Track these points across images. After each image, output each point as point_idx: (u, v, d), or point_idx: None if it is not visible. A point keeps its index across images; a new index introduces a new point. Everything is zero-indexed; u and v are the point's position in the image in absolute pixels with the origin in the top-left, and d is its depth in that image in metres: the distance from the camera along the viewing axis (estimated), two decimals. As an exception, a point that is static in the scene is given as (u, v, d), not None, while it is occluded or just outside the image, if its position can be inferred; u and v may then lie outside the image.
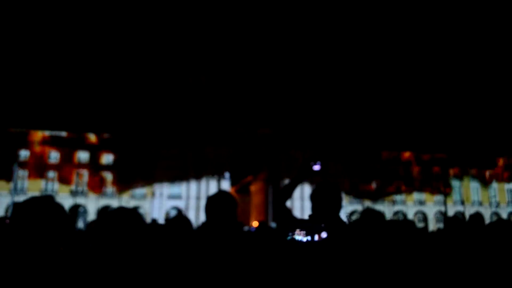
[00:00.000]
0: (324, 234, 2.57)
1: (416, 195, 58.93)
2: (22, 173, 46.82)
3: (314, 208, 2.88)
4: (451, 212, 51.10)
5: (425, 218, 57.35)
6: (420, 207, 58.48)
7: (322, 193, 2.89)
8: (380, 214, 2.91)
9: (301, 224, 2.72)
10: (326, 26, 64.22)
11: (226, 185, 50.25)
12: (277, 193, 50.29)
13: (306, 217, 2.96)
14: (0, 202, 44.16)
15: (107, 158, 50.94)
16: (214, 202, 2.85)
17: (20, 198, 41.29)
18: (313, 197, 2.91)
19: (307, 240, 2.61)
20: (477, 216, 4.81)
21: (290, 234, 2.66)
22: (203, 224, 2.92)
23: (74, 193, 48.61)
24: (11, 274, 1.77)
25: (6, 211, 41.20)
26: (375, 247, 2.58)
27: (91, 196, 49.04)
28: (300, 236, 2.64)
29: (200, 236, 2.88)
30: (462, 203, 58.53)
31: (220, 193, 2.99)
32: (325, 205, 2.83)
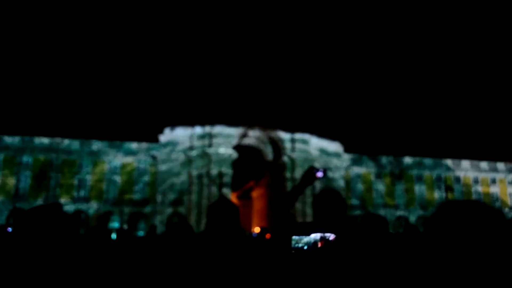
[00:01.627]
0: (331, 237, 2.57)
1: (418, 200, 58.77)
2: (24, 179, 46.81)
3: (317, 214, 2.89)
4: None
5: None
6: (422, 211, 58.28)
7: (324, 199, 2.89)
8: (383, 219, 2.92)
9: (305, 229, 2.73)
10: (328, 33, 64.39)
11: (227, 191, 50.10)
12: (279, 199, 50.15)
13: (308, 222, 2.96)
14: (1, 209, 44.07)
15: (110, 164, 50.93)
16: (215, 209, 2.86)
17: (22, 205, 41.26)
18: (315, 204, 2.92)
19: (311, 246, 2.62)
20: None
21: (294, 239, 2.67)
22: (205, 230, 2.93)
23: (75, 199, 48.56)
24: (17, 280, 1.77)
25: (8, 218, 41.15)
26: (381, 252, 2.58)
27: (92, 203, 48.99)
28: (304, 242, 2.64)
29: (202, 242, 2.88)
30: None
31: (221, 199, 3.01)
32: (328, 211, 2.84)
